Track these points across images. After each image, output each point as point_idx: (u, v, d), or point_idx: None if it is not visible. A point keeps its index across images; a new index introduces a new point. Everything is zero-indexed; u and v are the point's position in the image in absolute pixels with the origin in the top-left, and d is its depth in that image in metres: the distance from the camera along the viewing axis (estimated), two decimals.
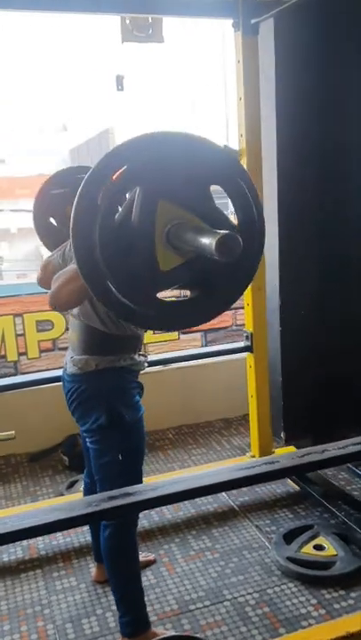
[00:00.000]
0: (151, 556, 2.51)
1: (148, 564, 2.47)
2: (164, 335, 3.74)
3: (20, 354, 3.49)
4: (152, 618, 2.17)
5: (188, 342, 3.83)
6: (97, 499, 1.63)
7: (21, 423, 3.23)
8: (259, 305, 2.79)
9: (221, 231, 1.18)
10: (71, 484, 3.11)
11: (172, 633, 2.08)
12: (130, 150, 1.26)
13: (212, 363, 3.70)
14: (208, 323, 1.47)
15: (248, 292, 2.79)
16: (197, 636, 1.90)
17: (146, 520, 2.76)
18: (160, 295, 1.35)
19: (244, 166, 2.62)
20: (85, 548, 2.58)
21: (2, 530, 1.43)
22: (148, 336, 3.72)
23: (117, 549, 2.01)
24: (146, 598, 2.24)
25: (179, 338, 3.79)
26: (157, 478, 3.03)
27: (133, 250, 1.25)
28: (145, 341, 3.73)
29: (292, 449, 3.13)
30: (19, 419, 3.29)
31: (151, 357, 3.43)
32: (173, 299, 1.44)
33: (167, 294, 1.42)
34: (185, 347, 3.80)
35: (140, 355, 2.04)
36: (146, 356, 2.09)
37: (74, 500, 2.10)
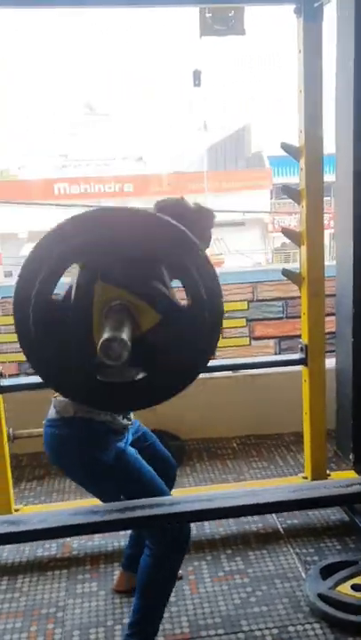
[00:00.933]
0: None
1: None
2: (234, 340, 3.60)
3: None
4: (159, 638, 2.08)
5: (261, 349, 3.66)
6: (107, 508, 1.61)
7: None
8: (316, 314, 2.56)
9: (119, 332, 1.13)
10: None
11: None
12: (72, 228, 1.25)
13: (287, 371, 3.49)
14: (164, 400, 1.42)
15: (304, 300, 2.58)
16: None
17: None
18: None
19: (303, 164, 2.44)
20: (116, 554, 2.53)
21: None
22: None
23: (157, 571, 1.90)
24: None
25: (250, 344, 3.62)
26: (206, 490, 2.92)
27: (70, 328, 1.25)
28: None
29: (351, 474, 2.86)
30: None
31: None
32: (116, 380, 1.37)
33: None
34: (256, 353, 3.63)
35: (124, 417, 1.92)
36: (130, 420, 1.97)
37: (94, 505, 2.05)
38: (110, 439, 1.86)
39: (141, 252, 1.26)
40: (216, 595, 2.29)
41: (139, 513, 1.63)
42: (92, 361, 1.22)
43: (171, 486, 2.24)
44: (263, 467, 3.25)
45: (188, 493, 2.82)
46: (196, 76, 3.19)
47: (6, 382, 2.74)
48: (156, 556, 1.89)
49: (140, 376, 1.35)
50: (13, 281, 1.38)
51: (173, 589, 2.28)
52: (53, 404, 1.91)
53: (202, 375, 3.41)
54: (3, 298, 3.47)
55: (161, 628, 2.12)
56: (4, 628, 2.18)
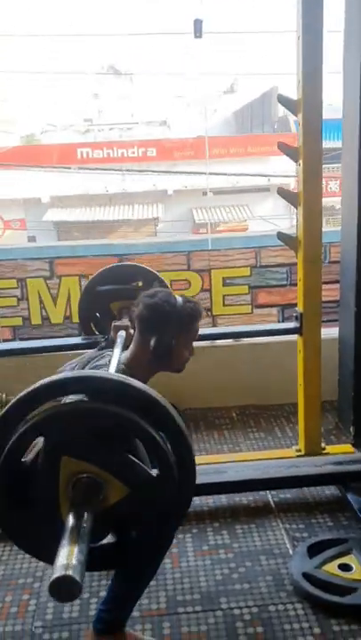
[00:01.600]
0: None
1: None
2: (235, 308, 3.48)
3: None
4: (134, 613, 2.01)
5: (263, 317, 3.52)
6: None
7: None
8: (312, 281, 2.42)
9: (69, 565, 1.04)
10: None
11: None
12: (35, 399, 1.22)
13: (288, 340, 3.37)
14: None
15: (300, 266, 2.44)
16: None
17: None
18: None
19: (300, 119, 2.27)
20: None
21: None
22: (219, 307, 3.49)
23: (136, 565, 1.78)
24: None
25: (252, 312, 3.49)
26: None
27: (35, 499, 1.23)
28: (215, 313, 3.52)
29: (347, 448, 2.74)
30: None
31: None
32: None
33: None
34: (259, 321, 3.50)
35: None
36: None
37: None
38: None
39: (105, 424, 1.23)
40: (198, 570, 2.22)
41: None
42: (57, 529, 1.17)
43: None
44: (260, 437, 3.15)
45: None
46: (197, 27, 2.97)
47: None
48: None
49: (109, 539, 1.34)
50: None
51: None
52: None
53: (202, 343, 3.34)
54: None
55: (138, 603, 2.06)
56: None
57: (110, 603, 1.84)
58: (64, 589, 1.03)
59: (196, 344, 3.40)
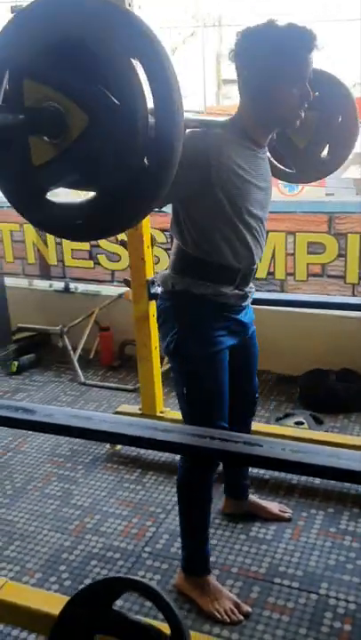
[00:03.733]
0: (288, 514, 2.27)
1: (281, 519, 2.25)
2: None
3: (288, 274, 3.35)
4: (233, 569, 2.04)
5: None
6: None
7: (271, 342, 3.11)
8: None
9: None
10: (285, 416, 2.98)
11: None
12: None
13: None
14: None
15: None
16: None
17: (319, 479, 2.46)
18: None
19: None
20: None
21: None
22: None
23: (184, 486, 1.91)
24: (246, 549, 2.12)
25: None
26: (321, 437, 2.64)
27: (7, 140, 1.08)
28: None
29: None
30: (271, 337, 3.18)
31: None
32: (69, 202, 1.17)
33: None
34: None
35: (237, 288, 1.75)
36: (246, 293, 1.78)
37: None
38: (216, 324, 1.74)
39: (66, 40, 1.03)
40: (313, 549, 2.11)
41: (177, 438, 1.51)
42: (30, 177, 1.09)
43: (248, 413, 2.11)
44: None
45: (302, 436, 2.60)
46: None
47: None
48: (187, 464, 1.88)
49: (89, 197, 1.13)
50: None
51: (273, 529, 2.20)
52: (158, 277, 1.96)
53: None
54: None
55: (240, 560, 2.08)
56: (113, 511, 2.37)
57: (182, 539, 1.97)
58: None
59: None
